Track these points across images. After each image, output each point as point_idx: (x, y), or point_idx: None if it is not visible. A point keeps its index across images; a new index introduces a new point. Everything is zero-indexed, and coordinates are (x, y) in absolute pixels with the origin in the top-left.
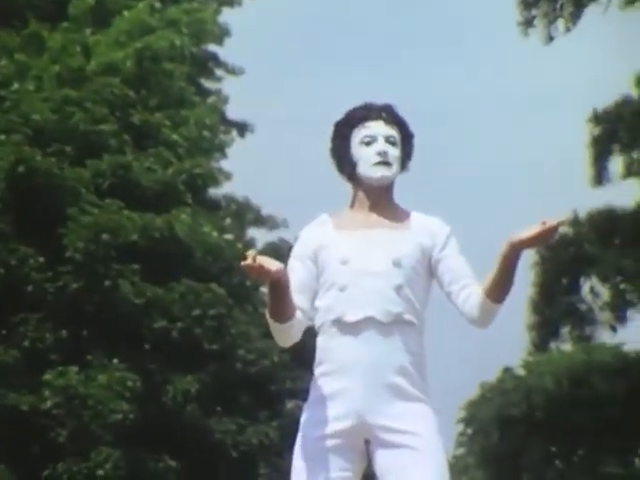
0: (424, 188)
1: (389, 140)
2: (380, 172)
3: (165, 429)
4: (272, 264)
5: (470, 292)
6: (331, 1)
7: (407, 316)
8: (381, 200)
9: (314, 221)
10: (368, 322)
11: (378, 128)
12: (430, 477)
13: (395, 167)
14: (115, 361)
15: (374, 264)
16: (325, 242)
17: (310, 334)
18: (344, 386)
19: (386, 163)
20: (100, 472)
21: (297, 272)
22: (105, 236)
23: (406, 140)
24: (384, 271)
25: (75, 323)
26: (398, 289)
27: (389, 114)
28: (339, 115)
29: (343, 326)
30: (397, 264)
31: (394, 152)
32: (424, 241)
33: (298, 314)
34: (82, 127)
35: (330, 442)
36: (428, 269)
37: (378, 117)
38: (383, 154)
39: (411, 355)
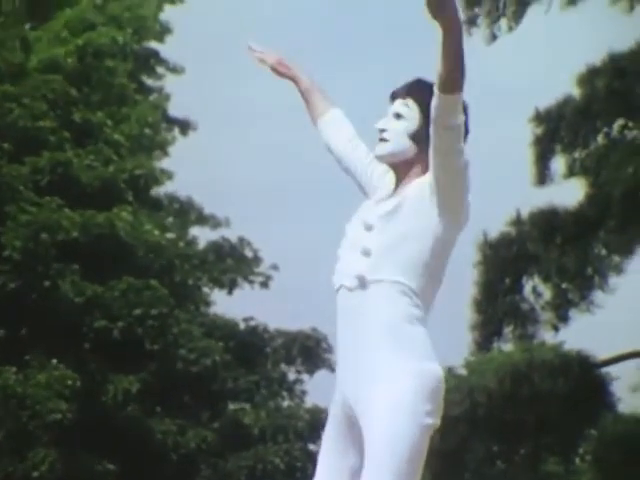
0: None
1: (395, 115)
2: (376, 150)
3: (105, 429)
4: (269, 58)
5: None
6: None
7: (372, 276)
8: (398, 174)
9: None
10: (343, 290)
11: (393, 106)
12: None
13: (393, 143)
14: (54, 361)
15: (352, 233)
16: None
17: (252, 334)
18: (338, 364)
19: (381, 139)
20: (35, 474)
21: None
22: (44, 235)
23: (427, 112)
24: (357, 238)
25: (13, 322)
26: (365, 252)
27: (404, 88)
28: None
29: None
30: (368, 228)
31: (394, 126)
32: (418, 196)
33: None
34: (20, 123)
35: (332, 421)
36: (439, 223)
37: (397, 95)
38: (380, 132)
39: (386, 317)
